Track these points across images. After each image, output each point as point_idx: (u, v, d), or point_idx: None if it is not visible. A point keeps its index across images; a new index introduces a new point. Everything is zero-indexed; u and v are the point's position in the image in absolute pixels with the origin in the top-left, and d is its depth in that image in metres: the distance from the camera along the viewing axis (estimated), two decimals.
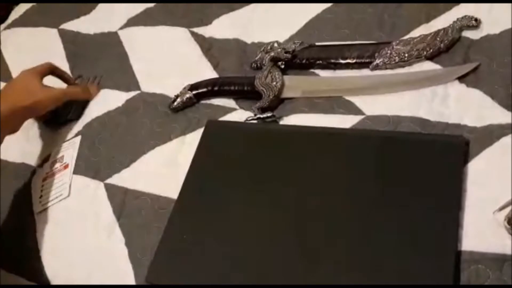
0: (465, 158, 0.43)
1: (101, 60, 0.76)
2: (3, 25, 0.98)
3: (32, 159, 0.70)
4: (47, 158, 0.68)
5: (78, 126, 0.68)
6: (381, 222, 0.41)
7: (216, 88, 0.60)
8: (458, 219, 0.39)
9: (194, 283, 0.45)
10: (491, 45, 0.50)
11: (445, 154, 0.43)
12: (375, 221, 0.42)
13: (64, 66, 0.80)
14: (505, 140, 0.42)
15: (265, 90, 0.56)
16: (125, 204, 0.56)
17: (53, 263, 0.57)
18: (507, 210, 0.37)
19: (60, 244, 0.58)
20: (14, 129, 0.63)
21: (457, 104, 0.47)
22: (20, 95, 0.62)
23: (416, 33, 0.55)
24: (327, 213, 0.44)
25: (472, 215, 0.40)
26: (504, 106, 0.45)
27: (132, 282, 0.49)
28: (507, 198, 0.38)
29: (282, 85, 0.56)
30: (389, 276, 0.39)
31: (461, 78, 0.49)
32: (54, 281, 0.56)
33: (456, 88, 0.48)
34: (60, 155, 0.66)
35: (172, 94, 0.63)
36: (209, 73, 0.64)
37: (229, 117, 0.59)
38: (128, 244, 0.53)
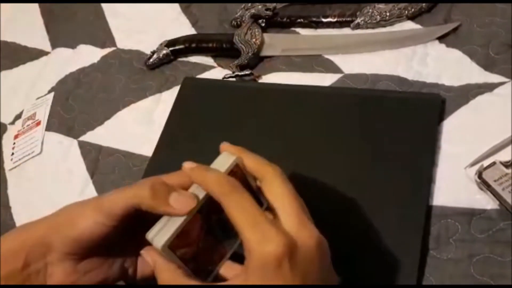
0: (441, 116, 0.42)
1: (77, 15, 0.74)
2: None
3: (3, 116, 0.68)
4: (19, 115, 0.66)
5: (51, 82, 0.66)
6: (357, 176, 0.41)
7: (194, 45, 0.58)
8: (431, 174, 0.40)
9: None
10: (473, 6, 0.49)
11: (421, 111, 0.43)
12: (351, 175, 0.42)
13: (39, 22, 0.77)
14: (481, 98, 0.42)
15: (244, 47, 0.55)
16: (99, 161, 0.55)
17: (25, 219, 0.55)
18: (478, 165, 0.38)
19: (32, 201, 0.57)
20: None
21: (436, 64, 0.47)
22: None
23: None
24: (304, 169, 0.44)
25: (445, 171, 0.40)
26: (482, 66, 0.44)
27: None
28: (479, 155, 0.39)
29: (262, 42, 0.55)
30: (361, 228, 0.39)
31: (441, 38, 0.48)
32: None
33: (436, 48, 0.48)
34: (32, 112, 0.64)
35: (148, 51, 0.61)
36: (187, 31, 0.63)
37: (207, 75, 0.57)
38: None
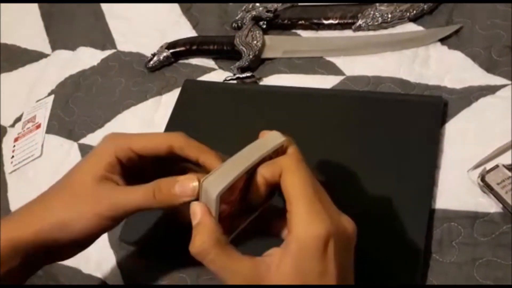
0: (443, 118, 0.42)
1: (77, 17, 0.73)
2: None
3: (3, 119, 0.68)
4: (19, 118, 0.66)
5: (51, 85, 0.66)
6: (359, 179, 0.41)
7: (194, 47, 0.58)
8: (434, 178, 0.39)
9: (166, 242, 0.45)
10: (474, 8, 0.49)
11: (424, 114, 0.42)
12: (353, 178, 0.41)
13: (39, 25, 0.77)
14: (483, 101, 0.42)
15: (245, 49, 0.54)
16: None
17: None
18: (481, 168, 0.37)
19: None
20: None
21: (438, 66, 0.47)
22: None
23: None
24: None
25: (448, 174, 0.40)
26: (484, 68, 0.44)
27: (105, 239, 0.48)
28: (482, 157, 0.38)
29: (263, 44, 0.55)
30: (364, 231, 0.38)
31: (443, 40, 0.48)
32: None
33: (438, 50, 0.48)
34: (32, 114, 0.64)
35: (149, 53, 0.61)
36: (188, 33, 0.62)
37: (207, 77, 0.57)
38: None
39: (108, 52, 0.65)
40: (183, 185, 0.31)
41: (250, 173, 0.30)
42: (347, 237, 0.29)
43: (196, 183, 0.31)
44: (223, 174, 0.29)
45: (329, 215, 0.28)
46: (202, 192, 0.30)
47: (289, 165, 0.30)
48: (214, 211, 0.29)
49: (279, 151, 0.31)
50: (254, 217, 0.33)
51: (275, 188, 0.31)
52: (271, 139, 0.31)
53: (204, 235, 0.28)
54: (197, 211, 0.29)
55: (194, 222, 0.29)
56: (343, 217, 0.30)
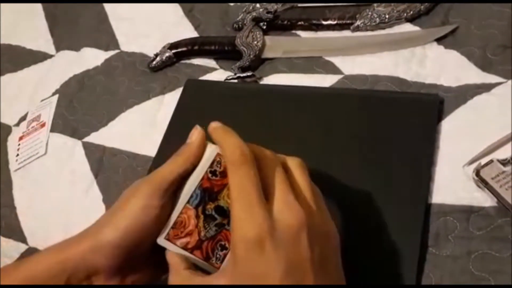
0: (440, 115, 0.43)
1: (81, 19, 0.75)
2: None
3: (8, 118, 0.69)
4: (24, 117, 0.67)
5: (55, 85, 0.67)
6: (356, 175, 0.42)
7: (196, 47, 0.59)
8: (430, 173, 0.40)
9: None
10: (470, 8, 0.50)
11: (420, 111, 0.43)
12: (350, 175, 0.42)
13: (43, 26, 0.78)
14: (478, 98, 0.43)
15: (245, 49, 0.55)
16: (102, 161, 0.56)
17: (29, 220, 0.57)
18: (476, 163, 0.38)
19: (36, 201, 0.58)
20: None
21: (434, 65, 0.47)
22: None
23: None
24: None
25: (444, 170, 0.40)
26: (480, 67, 0.45)
27: None
28: (477, 153, 0.39)
29: (263, 44, 0.56)
30: (361, 226, 0.39)
31: (439, 40, 0.49)
32: (30, 238, 0.56)
33: (434, 49, 0.48)
34: (37, 114, 0.65)
35: (151, 54, 0.62)
36: (190, 34, 0.63)
37: (209, 77, 0.58)
38: (105, 200, 0.53)
39: (111, 53, 0.66)
40: (191, 134, 0.34)
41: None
42: (291, 231, 0.28)
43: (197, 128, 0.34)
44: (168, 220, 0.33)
45: (266, 215, 0.28)
46: None
47: (229, 165, 0.30)
48: (174, 250, 0.33)
49: (220, 160, 0.33)
50: None
51: None
52: (205, 155, 0.33)
53: (170, 276, 0.32)
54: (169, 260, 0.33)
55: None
56: (286, 213, 0.29)
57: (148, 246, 0.33)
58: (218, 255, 0.33)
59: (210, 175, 0.33)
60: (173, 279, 0.32)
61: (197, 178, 0.33)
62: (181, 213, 0.33)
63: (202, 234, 0.33)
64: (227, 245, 0.33)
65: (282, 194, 0.30)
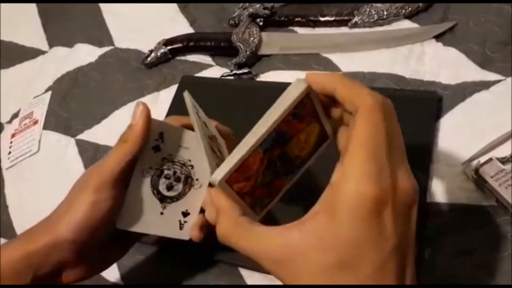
0: (438, 113, 0.43)
1: (74, 14, 0.74)
2: None
3: (1, 116, 0.68)
4: (16, 114, 0.66)
5: (48, 81, 0.66)
6: None
7: (191, 44, 0.59)
8: (429, 171, 0.40)
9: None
10: (469, 5, 0.49)
11: (419, 109, 0.43)
12: None
13: (36, 21, 0.77)
14: (477, 96, 0.43)
15: (242, 46, 0.55)
16: (96, 159, 0.55)
17: (22, 218, 0.56)
18: (475, 162, 0.38)
19: (29, 199, 0.57)
20: None
21: (433, 62, 0.47)
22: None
23: None
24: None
25: (442, 168, 0.40)
26: (478, 64, 0.45)
27: None
28: (476, 151, 0.39)
29: (260, 41, 0.55)
30: None
31: (438, 37, 0.48)
32: None
33: (433, 47, 0.48)
34: (29, 111, 0.64)
35: (146, 50, 0.61)
36: (185, 30, 0.63)
37: (204, 74, 0.57)
38: None
39: (105, 49, 0.65)
40: (134, 113, 0.32)
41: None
42: (406, 200, 0.24)
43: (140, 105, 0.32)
44: (228, 160, 0.29)
45: (389, 174, 0.23)
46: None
47: (363, 109, 0.25)
48: (229, 195, 0.29)
49: (305, 101, 0.28)
50: (295, 179, 0.32)
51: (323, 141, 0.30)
52: (290, 92, 0.29)
53: (222, 223, 0.28)
54: (210, 198, 0.29)
55: (212, 209, 0.29)
56: (407, 181, 0.25)
57: (109, 232, 0.32)
58: (264, 203, 0.30)
59: (291, 117, 0.28)
60: (227, 226, 0.27)
61: (277, 119, 0.28)
62: (249, 156, 0.28)
63: (259, 180, 0.29)
64: (274, 194, 0.30)
65: (405, 157, 0.26)
